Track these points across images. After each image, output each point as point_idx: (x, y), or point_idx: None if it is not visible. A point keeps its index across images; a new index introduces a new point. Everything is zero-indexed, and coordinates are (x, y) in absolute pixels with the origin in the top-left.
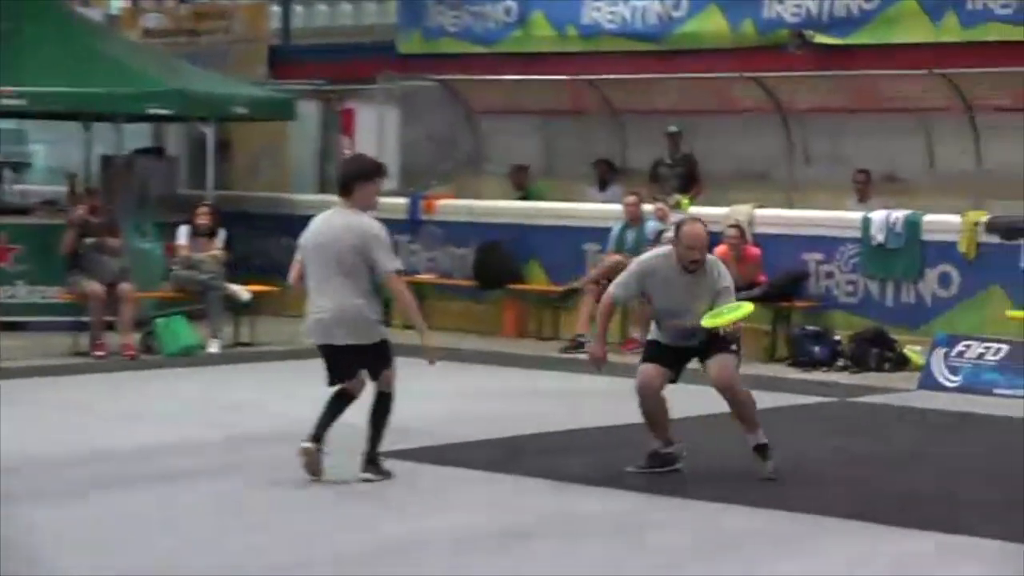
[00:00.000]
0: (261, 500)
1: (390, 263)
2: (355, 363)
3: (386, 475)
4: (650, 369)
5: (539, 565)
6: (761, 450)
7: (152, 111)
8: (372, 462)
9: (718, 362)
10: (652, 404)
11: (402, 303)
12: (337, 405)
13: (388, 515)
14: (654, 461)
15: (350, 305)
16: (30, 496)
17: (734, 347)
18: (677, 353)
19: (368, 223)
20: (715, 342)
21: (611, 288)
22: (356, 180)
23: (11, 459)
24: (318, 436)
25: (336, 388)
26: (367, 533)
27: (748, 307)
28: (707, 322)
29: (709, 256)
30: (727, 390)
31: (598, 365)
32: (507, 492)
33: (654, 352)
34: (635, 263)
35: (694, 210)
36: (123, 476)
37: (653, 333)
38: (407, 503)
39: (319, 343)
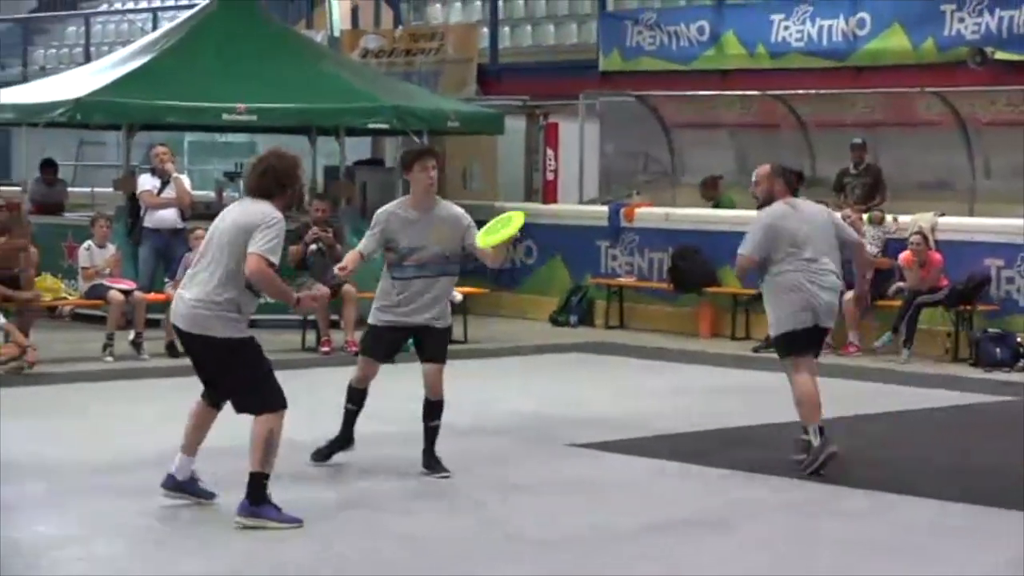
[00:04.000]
0: (458, 488)
1: None
2: None
3: None
4: None
5: (732, 552)
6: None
7: (372, 125)
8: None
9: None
10: None
11: None
12: None
13: (591, 504)
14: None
15: None
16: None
17: None
18: None
19: None
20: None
21: None
22: None
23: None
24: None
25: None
26: (575, 519)
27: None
28: (483, 240)
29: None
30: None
31: None
32: (700, 482)
33: None
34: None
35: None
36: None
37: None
38: (610, 492)
39: None
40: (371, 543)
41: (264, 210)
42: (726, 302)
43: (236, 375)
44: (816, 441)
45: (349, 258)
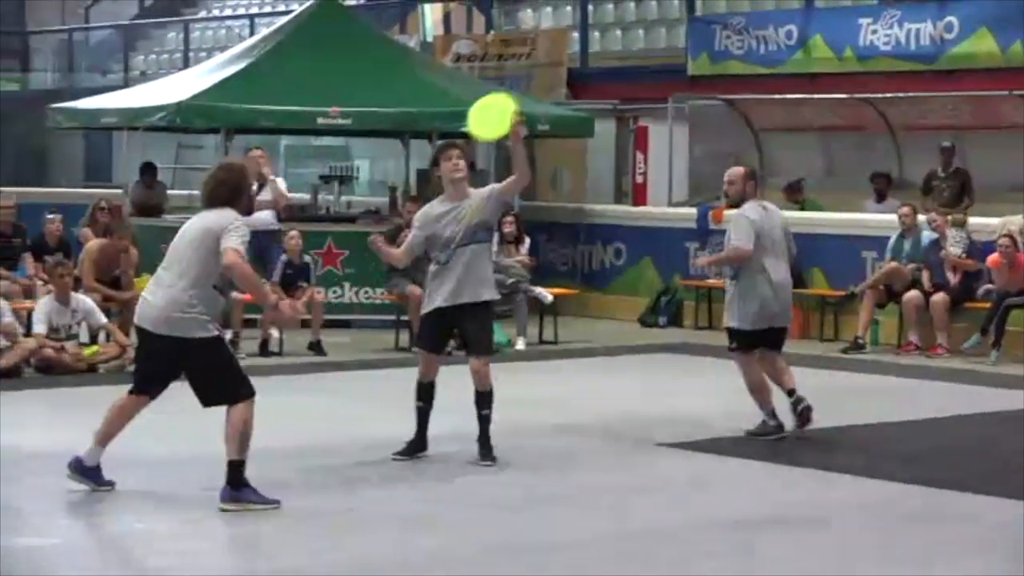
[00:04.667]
0: (545, 487)
1: None
2: None
3: None
4: None
5: (815, 550)
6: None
7: (463, 129)
8: None
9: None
10: None
11: None
12: None
13: (677, 502)
14: None
15: None
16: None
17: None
18: None
19: None
20: None
21: None
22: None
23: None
24: None
25: None
26: (660, 516)
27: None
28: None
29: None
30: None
31: None
32: (785, 482)
33: None
34: None
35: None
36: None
37: None
38: (696, 490)
39: None
40: (453, 538)
41: (228, 215)
42: (814, 304)
43: (210, 371)
44: (772, 422)
45: (399, 251)
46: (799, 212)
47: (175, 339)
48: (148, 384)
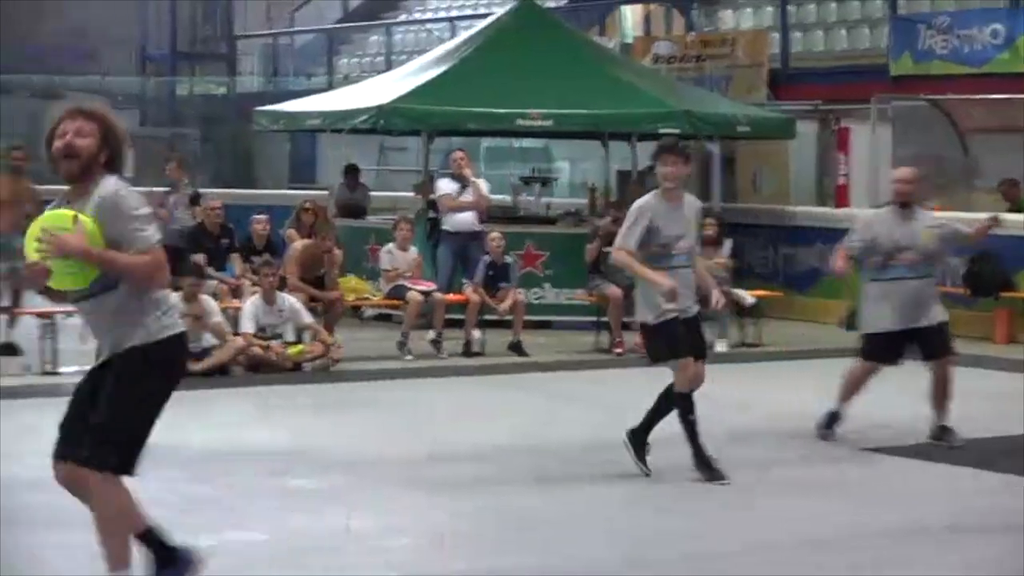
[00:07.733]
0: (743, 488)
1: None
2: None
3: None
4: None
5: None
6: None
7: (663, 130)
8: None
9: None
10: None
11: None
12: None
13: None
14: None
15: None
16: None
17: None
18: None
19: None
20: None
21: None
22: None
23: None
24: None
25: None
26: (858, 520)
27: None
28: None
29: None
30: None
31: None
32: (989, 488)
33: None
34: None
35: None
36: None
37: None
38: (891, 496)
39: None
40: (637, 540)
41: None
42: (1022, 307)
43: None
44: None
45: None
46: (1010, 214)
47: None
48: None
